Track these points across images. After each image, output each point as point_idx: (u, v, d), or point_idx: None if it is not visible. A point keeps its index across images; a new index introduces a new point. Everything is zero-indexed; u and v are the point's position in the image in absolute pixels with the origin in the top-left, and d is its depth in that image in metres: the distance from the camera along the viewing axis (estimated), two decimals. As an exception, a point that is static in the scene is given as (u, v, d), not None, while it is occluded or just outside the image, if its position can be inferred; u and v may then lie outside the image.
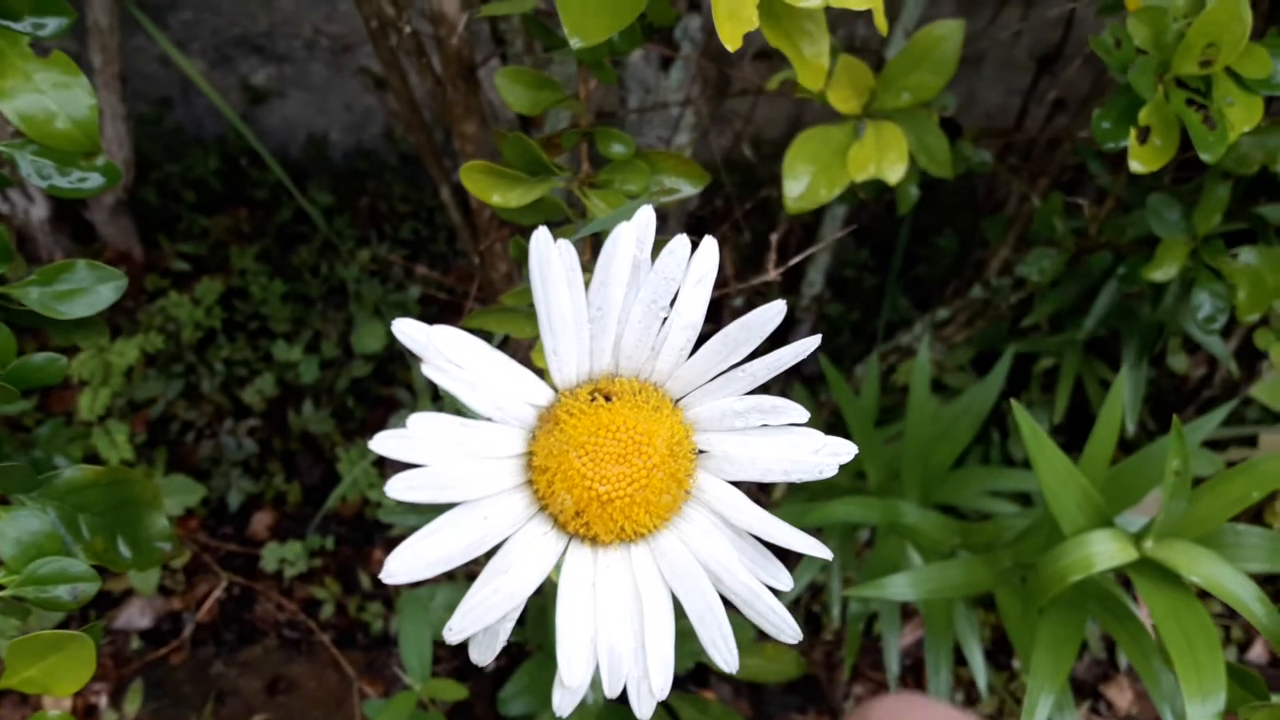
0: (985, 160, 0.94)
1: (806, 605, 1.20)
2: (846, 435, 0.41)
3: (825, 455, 0.34)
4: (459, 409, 0.32)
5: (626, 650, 0.32)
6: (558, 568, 0.33)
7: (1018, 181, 1.08)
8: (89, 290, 0.59)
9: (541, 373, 0.34)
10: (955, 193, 1.44)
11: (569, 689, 0.32)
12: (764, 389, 0.34)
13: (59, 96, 0.56)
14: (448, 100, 0.90)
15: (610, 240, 0.32)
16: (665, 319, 0.33)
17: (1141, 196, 0.99)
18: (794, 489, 1.09)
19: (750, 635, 0.88)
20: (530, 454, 0.33)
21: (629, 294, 0.33)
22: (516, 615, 0.33)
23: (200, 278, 1.33)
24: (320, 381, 1.28)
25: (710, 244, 0.33)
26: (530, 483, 0.33)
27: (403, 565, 0.30)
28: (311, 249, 1.40)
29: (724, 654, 0.34)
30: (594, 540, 0.33)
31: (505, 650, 1.16)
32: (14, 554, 0.54)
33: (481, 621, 0.31)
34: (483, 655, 0.33)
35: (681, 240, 0.32)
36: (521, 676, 0.98)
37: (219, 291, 1.30)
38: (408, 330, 0.31)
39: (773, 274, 0.69)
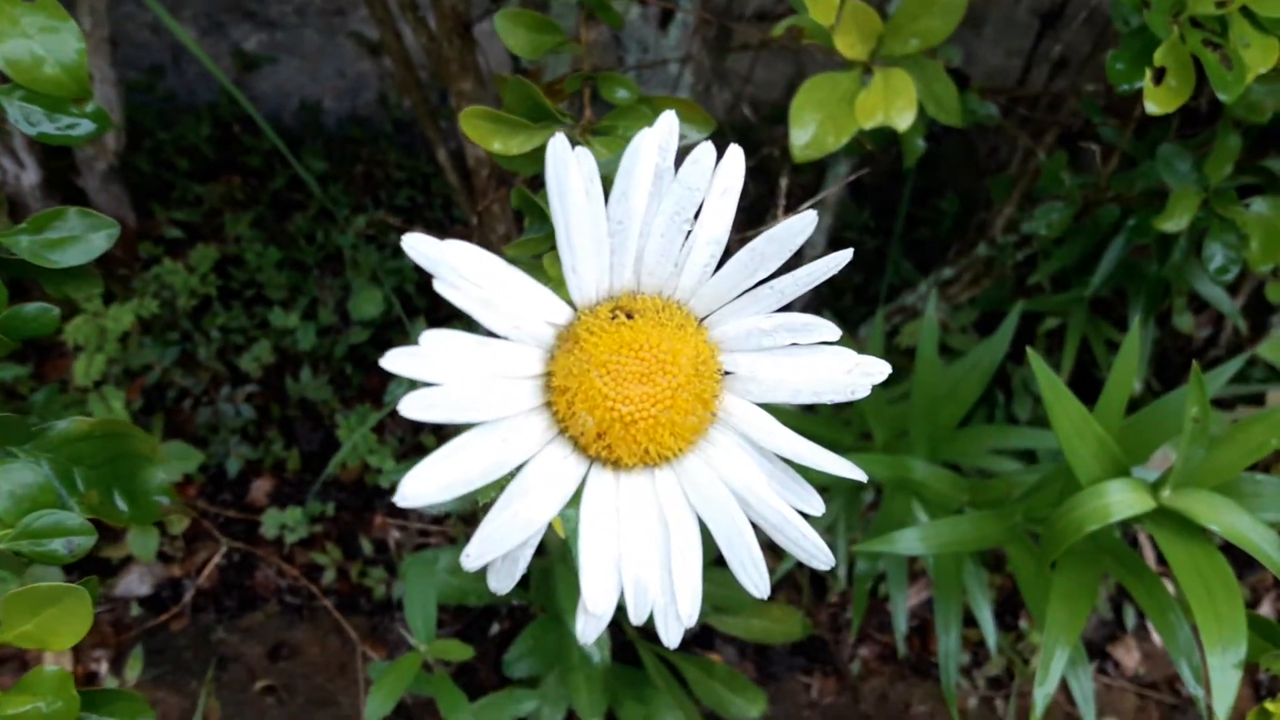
0: (991, 113, 0.92)
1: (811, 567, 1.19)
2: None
3: (858, 375, 0.33)
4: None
5: (652, 576, 0.31)
6: (577, 495, 0.32)
7: (1023, 137, 1.06)
8: (81, 238, 0.57)
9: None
10: (956, 155, 1.43)
11: (593, 615, 0.30)
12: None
13: (46, 40, 0.54)
14: (443, 57, 0.88)
15: (631, 148, 0.30)
16: (689, 233, 0.32)
17: (1147, 150, 0.98)
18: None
19: (751, 598, 0.87)
20: (549, 374, 0.32)
21: (651, 206, 0.31)
22: (536, 542, 0.31)
23: (195, 245, 1.31)
24: (318, 348, 1.26)
25: (736, 152, 0.31)
26: (549, 404, 0.32)
27: (418, 488, 0.28)
28: (306, 216, 1.38)
29: (754, 579, 0.33)
30: (616, 464, 0.32)
31: (510, 613, 1.14)
32: (7, 507, 0.52)
33: (499, 547, 0.30)
34: (501, 583, 0.31)
35: (707, 148, 0.31)
36: (526, 639, 0.98)
37: (214, 259, 1.28)
38: (418, 245, 0.29)
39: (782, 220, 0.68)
